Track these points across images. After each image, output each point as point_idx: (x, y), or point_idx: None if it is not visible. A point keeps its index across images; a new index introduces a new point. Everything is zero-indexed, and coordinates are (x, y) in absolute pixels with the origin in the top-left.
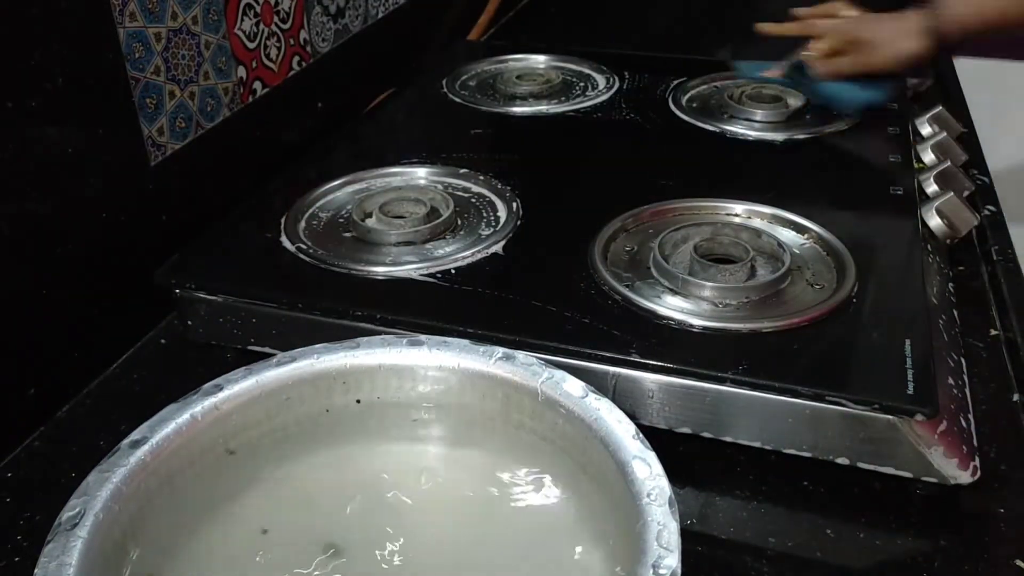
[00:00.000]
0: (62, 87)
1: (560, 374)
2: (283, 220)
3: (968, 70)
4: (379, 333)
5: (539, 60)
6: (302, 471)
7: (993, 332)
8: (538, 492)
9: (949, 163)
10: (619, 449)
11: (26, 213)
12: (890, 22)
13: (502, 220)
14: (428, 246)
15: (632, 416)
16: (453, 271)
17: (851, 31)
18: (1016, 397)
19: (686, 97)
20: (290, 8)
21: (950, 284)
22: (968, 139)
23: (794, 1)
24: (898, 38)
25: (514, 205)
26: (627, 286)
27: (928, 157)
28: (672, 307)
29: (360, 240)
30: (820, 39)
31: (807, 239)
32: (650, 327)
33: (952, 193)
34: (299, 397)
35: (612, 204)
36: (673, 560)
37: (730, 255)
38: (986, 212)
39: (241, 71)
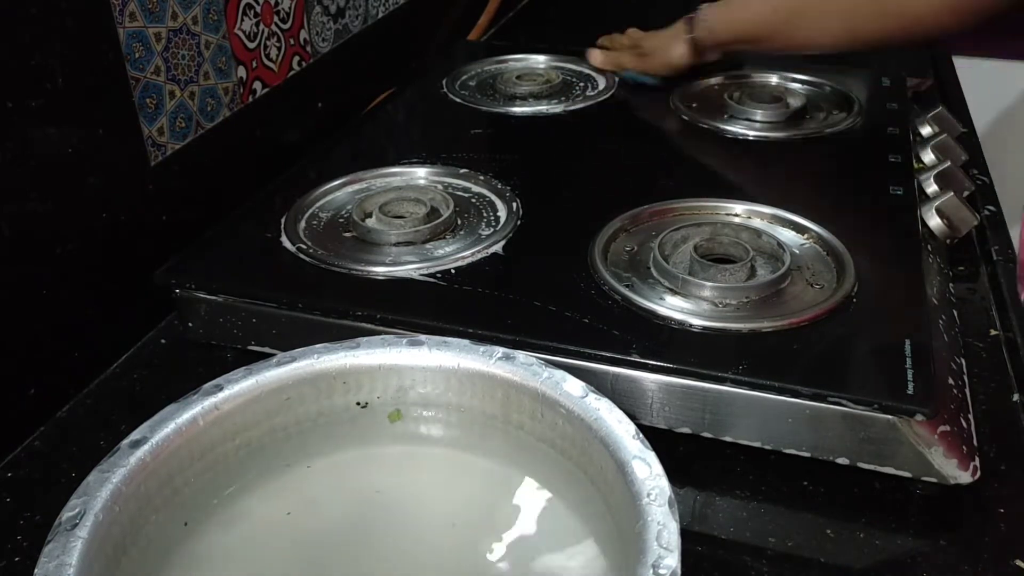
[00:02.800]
0: (62, 87)
1: (560, 374)
2: (283, 220)
3: (968, 70)
4: (379, 333)
5: (539, 60)
6: (302, 471)
7: (993, 332)
8: (538, 493)
9: (949, 163)
10: (619, 449)
11: (26, 213)
12: (664, 35)
13: (502, 220)
14: (428, 246)
15: (632, 416)
16: (453, 271)
17: (636, 41)
18: (1016, 397)
19: (686, 97)
20: (290, 8)
21: (950, 284)
22: (968, 139)
23: None
24: (667, 47)
25: (514, 205)
26: (627, 286)
27: (928, 157)
28: (672, 307)
29: (360, 240)
30: (613, 45)
31: (807, 239)
32: (650, 327)
33: (952, 193)
34: (299, 397)
35: (612, 204)
36: (673, 560)
37: (730, 255)
38: (986, 212)
39: (241, 71)
